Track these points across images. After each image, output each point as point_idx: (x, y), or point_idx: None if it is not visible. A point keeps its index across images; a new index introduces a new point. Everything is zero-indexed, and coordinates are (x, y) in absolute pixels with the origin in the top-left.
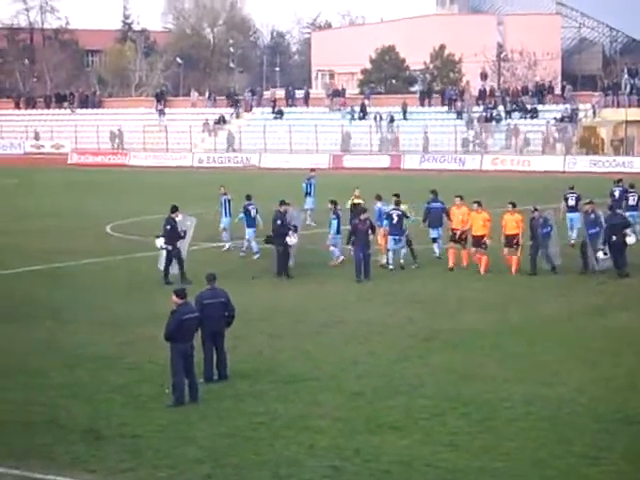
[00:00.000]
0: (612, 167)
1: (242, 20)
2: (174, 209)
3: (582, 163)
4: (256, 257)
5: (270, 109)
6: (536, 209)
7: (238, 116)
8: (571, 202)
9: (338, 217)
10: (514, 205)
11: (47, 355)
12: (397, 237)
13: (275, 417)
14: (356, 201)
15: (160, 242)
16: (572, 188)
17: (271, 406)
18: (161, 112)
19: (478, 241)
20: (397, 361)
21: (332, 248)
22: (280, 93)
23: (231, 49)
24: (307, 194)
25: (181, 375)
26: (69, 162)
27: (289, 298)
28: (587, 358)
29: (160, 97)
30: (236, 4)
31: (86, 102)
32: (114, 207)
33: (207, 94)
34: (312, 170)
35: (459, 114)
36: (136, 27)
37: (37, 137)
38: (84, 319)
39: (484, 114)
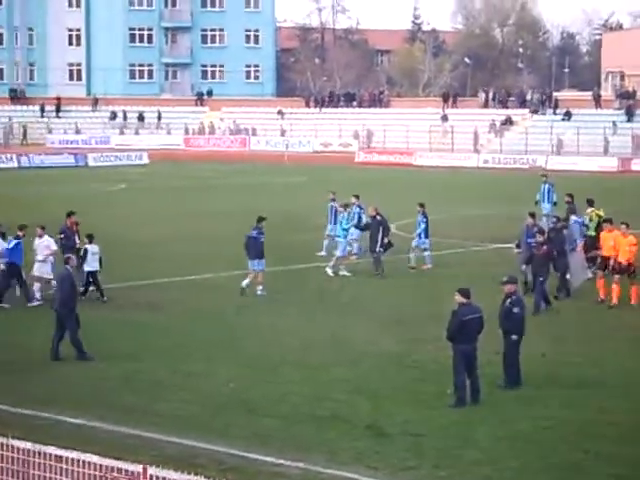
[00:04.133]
0: None
1: (532, 20)
2: (532, 215)
3: None
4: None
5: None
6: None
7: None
8: None
9: (427, 219)
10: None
11: (330, 350)
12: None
13: (561, 422)
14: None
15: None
16: None
17: (557, 411)
18: (444, 117)
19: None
20: None
21: (427, 253)
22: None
23: (520, 49)
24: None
25: (463, 376)
26: (356, 160)
27: None
28: None
29: (447, 97)
30: (527, 4)
31: (374, 102)
32: (399, 206)
33: (492, 94)
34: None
35: None
36: (425, 27)
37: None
38: (369, 316)
39: None
